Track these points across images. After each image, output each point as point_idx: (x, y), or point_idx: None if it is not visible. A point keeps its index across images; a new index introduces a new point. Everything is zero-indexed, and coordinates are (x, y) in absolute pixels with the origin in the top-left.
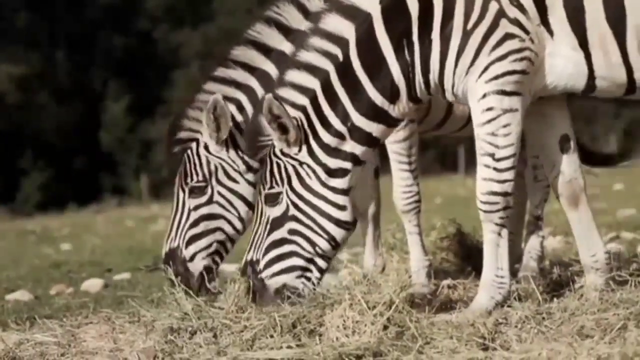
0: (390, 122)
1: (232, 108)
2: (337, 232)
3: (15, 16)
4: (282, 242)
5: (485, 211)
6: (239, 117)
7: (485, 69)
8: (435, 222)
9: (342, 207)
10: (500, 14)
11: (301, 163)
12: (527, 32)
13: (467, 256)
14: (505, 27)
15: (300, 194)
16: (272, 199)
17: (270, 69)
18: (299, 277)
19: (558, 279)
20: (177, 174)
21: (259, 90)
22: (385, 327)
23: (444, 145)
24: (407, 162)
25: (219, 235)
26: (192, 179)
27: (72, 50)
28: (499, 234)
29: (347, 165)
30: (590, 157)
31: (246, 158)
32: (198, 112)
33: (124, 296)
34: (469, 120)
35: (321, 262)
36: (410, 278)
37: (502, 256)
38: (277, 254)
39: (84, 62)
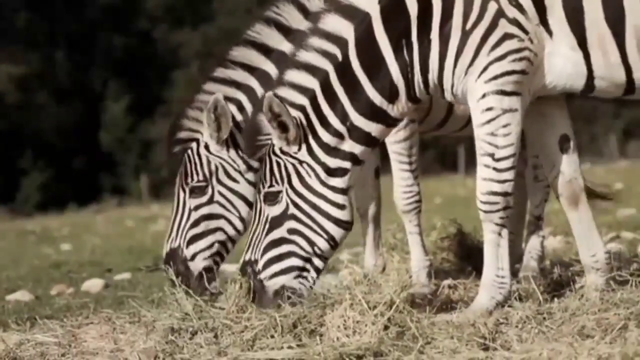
0: (389, 122)
1: (233, 108)
2: (336, 231)
3: (15, 16)
4: (281, 241)
5: (485, 211)
6: (239, 117)
7: (485, 69)
8: (436, 222)
9: (341, 206)
10: (499, 14)
11: (301, 162)
12: (526, 32)
13: (467, 256)
14: (504, 27)
15: (300, 193)
16: (272, 198)
17: (270, 69)
18: (296, 277)
19: (559, 279)
20: (178, 174)
21: (259, 90)
22: (386, 327)
23: (444, 145)
24: (407, 162)
25: (220, 235)
26: (192, 179)
27: (72, 50)
28: (500, 234)
29: (347, 164)
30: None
31: (247, 158)
32: (198, 112)
33: (124, 296)
34: (469, 120)
35: (318, 262)
36: (410, 278)
37: (502, 256)
38: (276, 254)
39: (83, 62)
